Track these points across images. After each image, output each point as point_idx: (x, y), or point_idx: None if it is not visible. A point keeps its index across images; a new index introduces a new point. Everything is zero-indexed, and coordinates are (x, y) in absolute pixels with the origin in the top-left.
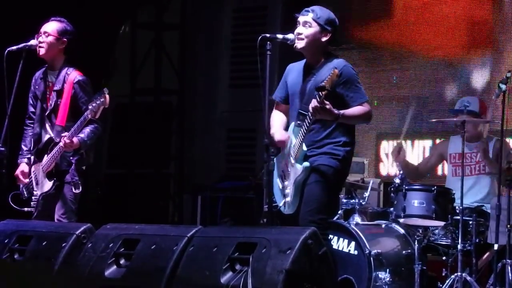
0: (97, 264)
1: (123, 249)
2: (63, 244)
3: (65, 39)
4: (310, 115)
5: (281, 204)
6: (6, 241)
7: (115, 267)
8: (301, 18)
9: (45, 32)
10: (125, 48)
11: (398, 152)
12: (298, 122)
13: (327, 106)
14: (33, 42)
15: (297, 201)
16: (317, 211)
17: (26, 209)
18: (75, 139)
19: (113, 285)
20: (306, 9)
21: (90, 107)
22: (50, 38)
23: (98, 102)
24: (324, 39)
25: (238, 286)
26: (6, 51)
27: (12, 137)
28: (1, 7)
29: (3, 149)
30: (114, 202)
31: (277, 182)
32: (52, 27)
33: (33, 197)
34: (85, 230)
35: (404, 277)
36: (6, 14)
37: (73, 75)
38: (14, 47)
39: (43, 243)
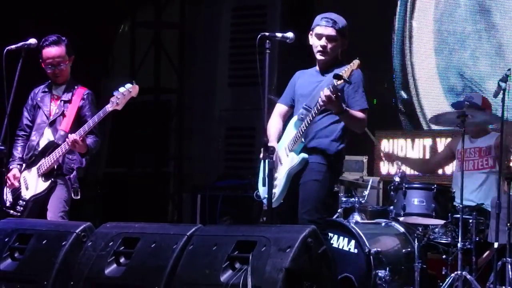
0: (97, 262)
1: (123, 247)
2: (63, 243)
3: (73, 56)
4: (318, 105)
5: (266, 194)
6: (6, 239)
7: (115, 265)
8: (324, 30)
9: (58, 62)
10: (124, 47)
11: (390, 156)
12: (302, 116)
13: (339, 95)
14: (32, 41)
15: (284, 195)
16: (315, 210)
17: (12, 212)
18: (83, 139)
19: (113, 284)
20: (327, 19)
21: (112, 99)
22: (65, 66)
23: (124, 92)
24: (342, 48)
25: (237, 284)
26: (5, 50)
27: (11, 136)
28: (1, 7)
29: (3, 148)
30: (114, 200)
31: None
32: (59, 53)
33: (20, 201)
34: (85, 228)
35: (404, 275)
36: (6, 14)
37: (83, 89)
38: (13, 46)
39: (43, 242)
